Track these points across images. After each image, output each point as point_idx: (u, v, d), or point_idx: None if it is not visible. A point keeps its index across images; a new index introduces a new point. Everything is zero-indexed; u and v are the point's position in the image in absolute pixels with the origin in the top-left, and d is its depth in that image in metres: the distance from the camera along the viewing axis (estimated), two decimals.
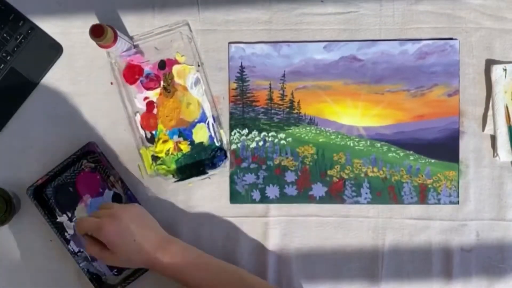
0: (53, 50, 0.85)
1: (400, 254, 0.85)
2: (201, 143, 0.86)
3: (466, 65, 0.84)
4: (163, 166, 0.85)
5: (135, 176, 0.86)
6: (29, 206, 0.84)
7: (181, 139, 0.86)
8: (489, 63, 0.84)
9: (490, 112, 0.84)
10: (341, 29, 0.85)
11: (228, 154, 0.85)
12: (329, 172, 0.85)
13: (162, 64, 0.86)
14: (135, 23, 0.86)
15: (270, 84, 0.85)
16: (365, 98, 0.85)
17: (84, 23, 0.83)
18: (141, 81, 0.86)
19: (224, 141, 0.85)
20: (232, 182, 0.85)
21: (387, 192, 0.84)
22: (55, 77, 0.86)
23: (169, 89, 0.86)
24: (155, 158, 0.86)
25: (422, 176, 0.84)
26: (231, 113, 0.85)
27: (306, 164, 0.85)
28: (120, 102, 0.85)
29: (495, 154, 0.83)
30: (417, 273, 0.85)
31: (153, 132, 0.86)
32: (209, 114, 0.85)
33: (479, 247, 0.84)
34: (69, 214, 0.86)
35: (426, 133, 0.84)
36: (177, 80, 0.86)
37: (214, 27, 0.86)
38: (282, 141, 0.85)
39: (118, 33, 0.79)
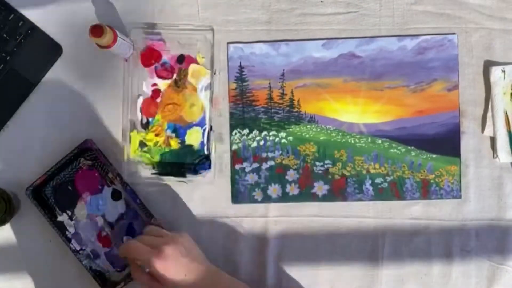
0: (52, 50, 0.85)
1: (400, 254, 0.84)
2: (191, 146, 0.85)
3: (466, 65, 0.85)
4: (147, 155, 0.85)
5: (135, 174, 0.85)
6: (29, 206, 0.83)
7: (173, 135, 0.85)
8: (488, 65, 0.84)
9: (489, 114, 0.83)
10: (341, 29, 0.85)
11: (213, 166, 0.84)
12: (330, 169, 0.85)
13: (181, 58, 0.86)
14: (134, 23, 0.86)
15: (269, 83, 0.85)
16: (365, 95, 0.85)
17: (83, 23, 0.83)
18: (155, 67, 0.86)
19: (213, 153, 0.85)
20: (234, 182, 0.85)
21: (389, 189, 0.84)
22: (55, 78, 0.86)
23: (180, 84, 0.85)
24: (142, 144, 0.85)
25: (424, 171, 0.84)
26: (231, 113, 0.85)
27: (308, 163, 0.85)
28: (128, 82, 0.85)
29: (495, 156, 0.83)
30: (417, 273, 0.84)
31: (150, 119, 0.85)
32: (208, 121, 0.85)
33: (479, 247, 0.84)
34: (69, 213, 0.85)
35: (427, 128, 0.84)
36: (190, 78, 0.85)
37: (214, 27, 0.86)
38: (283, 140, 0.85)
39: (118, 33, 0.79)
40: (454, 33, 0.84)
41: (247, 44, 0.85)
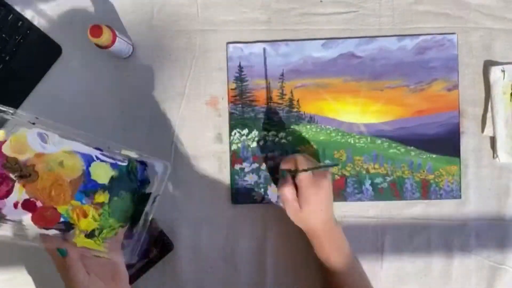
0: (52, 51, 0.86)
1: (400, 254, 0.84)
2: (112, 178, 0.73)
3: (466, 65, 0.85)
4: (108, 229, 0.72)
5: None
6: None
7: (89, 198, 0.71)
8: (488, 64, 0.84)
9: (489, 114, 0.84)
10: (341, 29, 0.85)
11: (150, 162, 0.74)
12: (330, 170, 0.84)
13: None
14: (134, 24, 0.86)
15: (269, 83, 0.85)
16: (365, 95, 0.84)
17: (83, 23, 0.83)
18: None
19: (132, 155, 0.74)
20: (233, 182, 0.85)
21: (389, 189, 0.84)
22: (54, 78, 0.86)
23: (24, 173, 0.67)
24: (91, 235, 0.70)
25: (424, 171, 0.84)
26: (230, 113, 0.85)
27: None
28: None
29: (495, 156, 0.83)
30: (417, 273, 0.84)
31: (62, 220, 0.69)
32: (89, 150, 0.71)
33: (479, 247, 0.84)
34: None
35: (426, 128, 0.84)
36: (19, 156, 0.67)
37: (213, 27, 0.86)
38: (283, 140, 0.85)
39: (117, 33, 0.79)
40: (454, 33, 0.84)
41: (246, 44, 0.85)
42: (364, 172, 0.84)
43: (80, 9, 0.86)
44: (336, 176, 0.84)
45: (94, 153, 0.71)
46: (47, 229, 0.68)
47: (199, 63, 0.86)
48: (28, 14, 0.86)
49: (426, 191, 0.84)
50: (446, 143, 0.84)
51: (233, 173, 0.85)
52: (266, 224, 0.85)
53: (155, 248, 0.84)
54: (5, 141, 0.67)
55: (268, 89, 0.85)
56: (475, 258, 0.84)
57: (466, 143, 0.84)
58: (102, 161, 0.72)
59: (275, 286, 0.84)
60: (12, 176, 0.67)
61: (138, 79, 0.86)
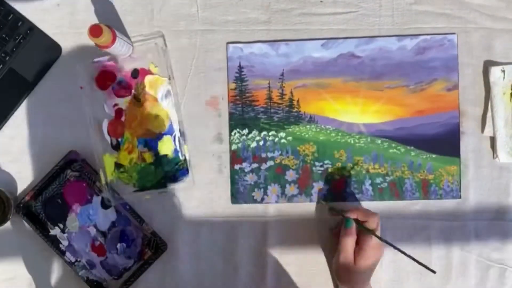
0: (52, 50, 0.86)
1: (400, 254, 0.84)
2: (166, 156, 0.85)
3: (466, 65, 0.84)
4: (125, 174, 0.85)
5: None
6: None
7: (146, 149, 0.85)
8: (488, 64, 0.84)
9: (489, 114, 0.83)
10: (341, 29, 0.85)
11: (190, 172, 0.84)
12: (330, 170, 0.85)
13: (135, 73, 0.85)
14: (134, 24, 0.86)
15: (269, 83, 0.85)
16: (365, 95, 0.84)
17: (83, 23, 0.83)
18: (112, 87, 0.85)
19: (187, 157, 0.85)
20: (233, 182, 0.85)
21: (388, 189, 0.84)
22: (54, 78, 0.86)
23: (140, 98, 0.85)
24: (118, 165, 0.85)
25: (424, 171, 0.84)
26: (230, 113, 0.85)
27: (307, 163, 0.85)
28: (89, 109, 0.84)
29: (495, 156, 0.83)
30: (417, 273, 0.84)
31: (119, 139, 0.85)
32: (176, 127, 0.85)
33: (479, 247, 0.84)
34: (61, 226, 0.85)
35: (426, 128, 0.84)
36: (148, 90, 0.85)
37: (213, 27, 0.86)
38: (283, 140, 0.85)
39: (117, 33, 0.79)
40: (454, 33, 0.84)
41: (246, 44, 0.85)
42: (364, 172, 0.84)
43: (80, 9, 0.86)
44: (336, 176, 0.84)
45: (177, 133, 0.85)
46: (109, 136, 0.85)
47: (199, 63, 0.86)
48: (28, 14, 0.85)
49: (426, 191, 0.84)
50: (446, 143, 0.84)
51: (233, 173, 0.85)
52: (266, 224, 0.85)
53: (149, 249, 0.85)
54: (153, 74, 0.86)
55: (268, 89, 0.85)
56: (475, 258, 0.84)
57: (466, 143, 0.84)
58: (174, 142, 0.85)
59: (275, 286, 0.84)
60: (133, 91, 0.85)
61: None
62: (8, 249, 0.85)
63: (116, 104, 0.85)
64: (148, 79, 0.85)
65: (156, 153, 0.85)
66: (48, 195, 0.85)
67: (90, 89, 0.85)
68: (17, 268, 0.85)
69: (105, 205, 0.85)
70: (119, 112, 0.85)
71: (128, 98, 0.85)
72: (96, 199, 0.85)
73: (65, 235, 0.85)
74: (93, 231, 0.85)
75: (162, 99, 0.85)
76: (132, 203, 0.84)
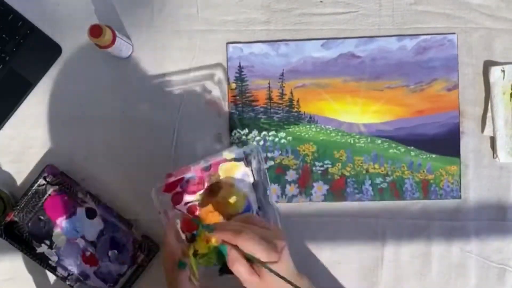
0: (52, 51, 0.85)
1: (400, 254, 0.84)
2: None
3: (466, 65, 0.84)
4: (204, 258, 0.74)
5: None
6: None
7: None
8: (488, 64, 0.84)
9: (489, 114, 0.83)
10: (340, 29, 0.85)
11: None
12: (330, 170, 0.84)
13: (207, 167, 0.80)
14: (134, 24, 0.86)
15: (269, 84, 0.85)
16: (365, 95, 0.84)
17: (83, 23, 0.83)
18: (181, 186, 0.79)
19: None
20: None
21: (388, 189, 0.84)
22: (54, 78, 0.86)
23: (214, 188, 0.79)
24: (196, 254, 0.73)
25: (424, 171, 0.84)
26: (230, 114, 0.85)
27: (307, 163, 0.85)
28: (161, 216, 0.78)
29: (495, 156, 0.83)
30: (417, 273, 0.84)
31: (194, 232, 0.77)
32: (254, 205, 0.81)
33: (479, 247, 0.84)
34: (48, 242, 0.84)
35: (426, 128, 0.84)
36: (223, 178, 0.80)
37: (213, 27, 0.86)
38: (283, 140, 0.85)
39: (117, 33, 0.79)
40: (454, 33, 0.84)
41: (246, 44, 0.85)
42: (364, 172, 0.84)
43: (80, 9, 0.86)
44: (336, 176, 0.84)
45: (255, 208, 0.81)
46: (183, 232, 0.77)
47: (199, 63, 0.86)
48: (28, 14, 0.85)
49: (426, 191, 0.84)
50: (446, 143, 0.84)
51: None
52: None
53: (141, 252, 0.84)
54: (227, 161, 0.80)
55: (268, 89, 0.85)
56: (475, 258, 0.84)
57: (466, 143, 0.84)
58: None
59: None
60: (206, 184, 0.80)
61: (138, 79, 0.86)
62: (8, 249, 0.85)
63: (187, 202, 0.80)
64: (222, 167, 0.80)
65: None
66: (29, 214, 0.83)
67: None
68: (17, 268, 0.85)
69: (90, 215, 0.83)
70: (192, 209, 0.79)
71: (201, 191, 0.80)
72: (80, 210, 0.83)
73: (53, 251, 0.83)
74: (81, 242, 0.84)
75: (240, 182, 0.80)
76: (117, 209, 0.83)
